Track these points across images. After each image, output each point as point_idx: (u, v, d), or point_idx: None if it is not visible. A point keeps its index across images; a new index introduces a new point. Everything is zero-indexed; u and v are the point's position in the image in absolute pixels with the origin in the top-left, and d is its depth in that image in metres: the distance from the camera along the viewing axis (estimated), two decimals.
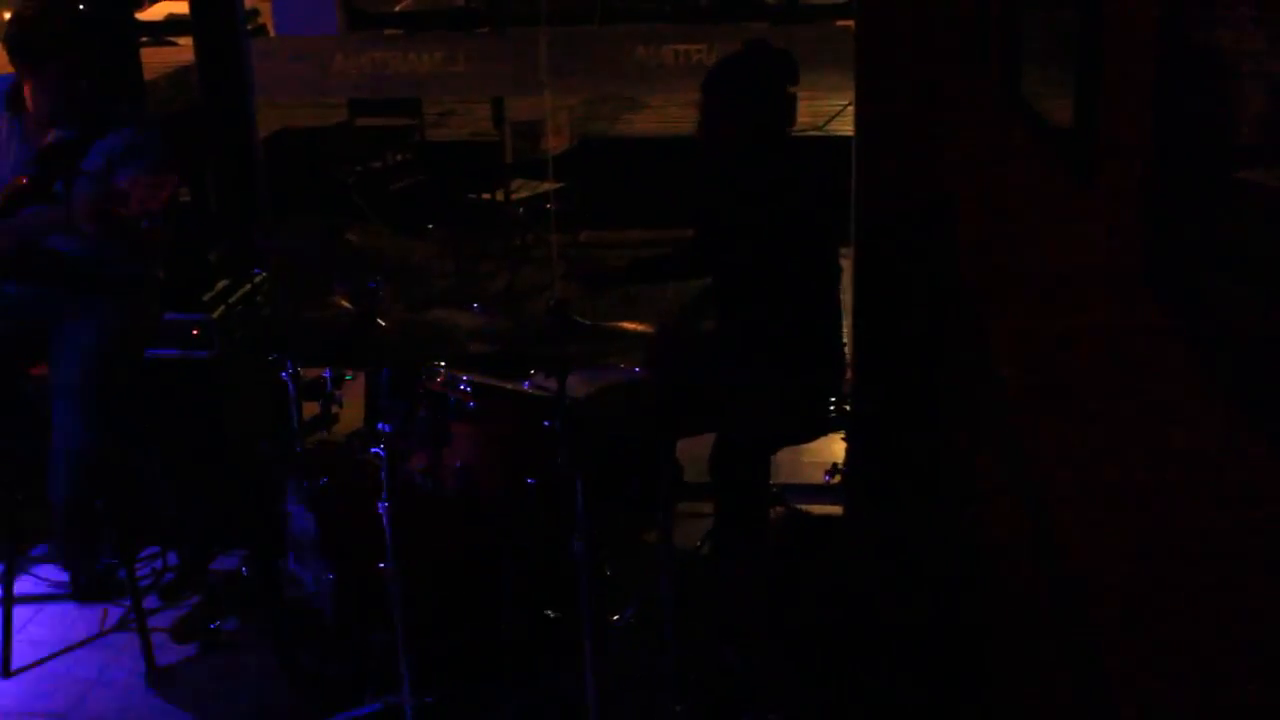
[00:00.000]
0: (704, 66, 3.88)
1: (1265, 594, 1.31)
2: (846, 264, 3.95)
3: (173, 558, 4.04)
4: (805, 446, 4.06)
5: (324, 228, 3.59)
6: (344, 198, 7.73)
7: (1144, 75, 1.74)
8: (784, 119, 3.48)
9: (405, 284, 3.67)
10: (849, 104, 4.37)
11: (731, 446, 3.45)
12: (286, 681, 3.39)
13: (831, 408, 3.62)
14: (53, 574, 3.96)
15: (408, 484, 3.05)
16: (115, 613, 3.83)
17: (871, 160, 4.13)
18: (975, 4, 3.60)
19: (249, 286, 4.25)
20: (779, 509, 3.81)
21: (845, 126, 6.23)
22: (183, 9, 5.28)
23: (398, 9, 13.50)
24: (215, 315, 3.99)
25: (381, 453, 2.94)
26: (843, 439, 3.99)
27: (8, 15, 3.69)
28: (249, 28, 5.61)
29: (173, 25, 12.50)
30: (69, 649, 3.69)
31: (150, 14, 13.59)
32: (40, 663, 3.63)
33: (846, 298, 3.91)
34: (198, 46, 4.80)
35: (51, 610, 3.89)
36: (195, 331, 3.92)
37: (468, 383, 3.04)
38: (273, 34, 11.86)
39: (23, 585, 3.90)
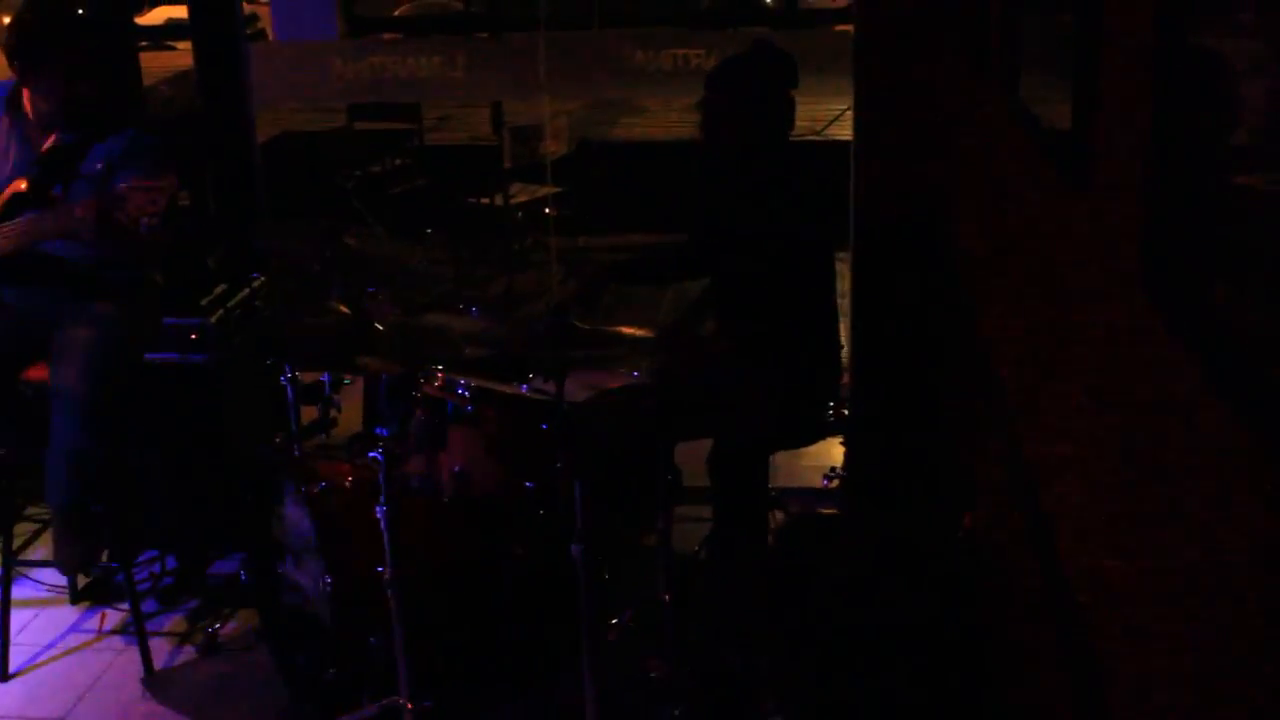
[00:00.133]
0: (703, 71, 3.88)
1: (1265, 595, 1.31)
2: (844, 267, 3.96)
3: (171, 561, 4.05)
4: (804, 450, 4.06)
5: (323, 232, 3.58)
6: (343, 202, 7.73)
7: (1141, 78, 1.74)
8: (785, 121, 3.48)
9: (404, 288, 3.67)
10: (848, 108, 4.38)
11: (730, 450, 3.45)
12: (285, 685, 3.39)
13: (830, 411, 3.62)
14: (51, 578, 3.97)
15: (406, 488, 3.05)
16: (113, 616, 3.84)
17: (869, 164, 4.14)
18: (974, 8, 3.61)
19: (248, 291, 4.25)
20: (778, 512, 3.81)
21: (844, 131, 6.24)
22: (182, 13, 5.28)
23: (397, 13, 13.53)
24: (214, 319, 3.99)
25: (379, 457, 2.94)
26: (841, 442, 3.99)
27: (7, 20, 3.70)
28: (248, 32, 5.62)
29: (172, 29, 12.53)
30: (67, 652, 3.69)
31: (149, 18, 13.61)
32: (38, 666, 3.63)
33: (844, 302, 3.91)
34: (197, 51, 4.81)
35: (49, 614, 3.89)
36: (194, 335, 3.92)
37: (466, 387, 3.04)
38: (272, 38, 11.87)
39: (21, 589, 3.90)
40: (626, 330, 3.15)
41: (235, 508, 4.02)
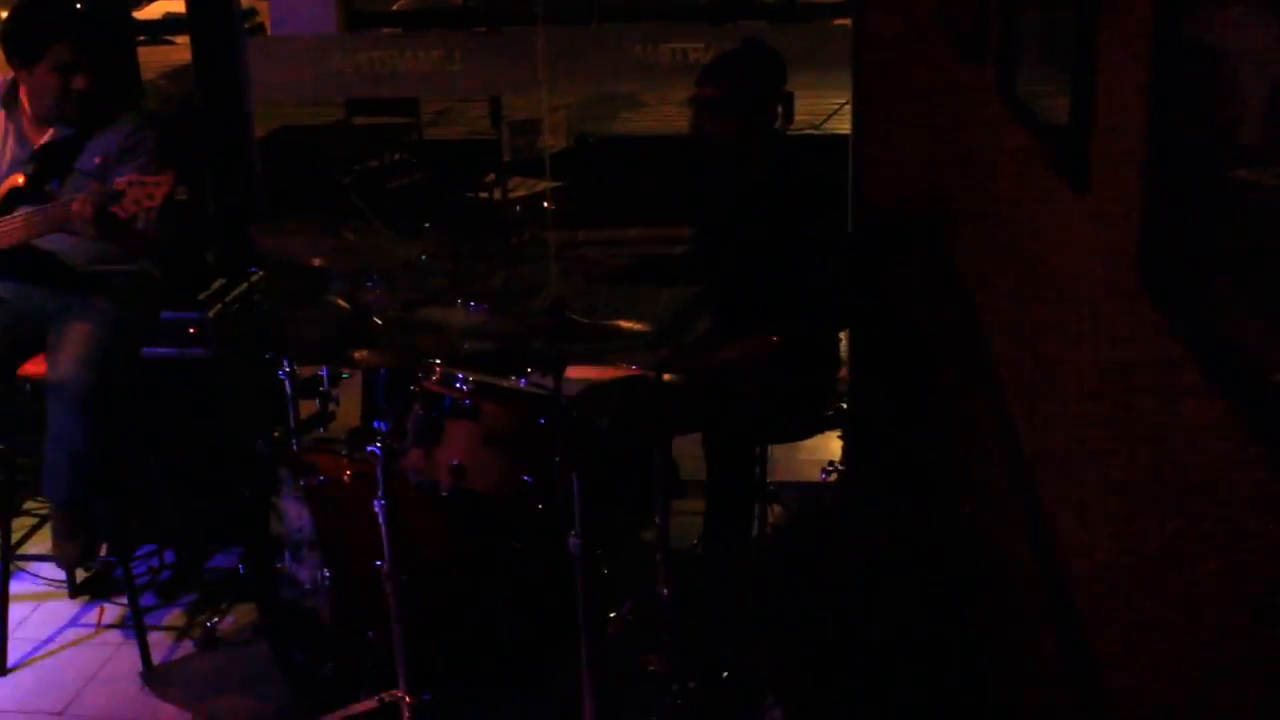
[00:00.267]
0: (701, 65, 3.88)
1: (1265, 596, 1.31)
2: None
3: (169, 556, 4.05)
4: (802, 444, 4.06)
5: (321, 226, 3.58)
6: (341, 196, 7.73)
7: (1139, 74, 1.74)
8: (776, 117, 3.48)
9: (402, 282, 3.67)
10: (846, 102, 4.38)
11: (726, 443, 3.45)
12: (283, 679, 3.39)
13: (828, 406, 3.63)
14: (49, 572, 3.97)
15: (404, 482, 3.05)
16: (112, 610, 3.84)
17: (867, 158, 4.14)
18: (973, 2, 3.60)
19: (246, 285, 4.25)
20: (776, 505, 3.81)
21: (843, 125, 6.23)
22: (180, 8, 5.27)
23: (395, 8, 13.51)
24: (212, 314, 3.99)
25: (378, 451, 2.94)
26: (839, 436, 3.99)
27: (4, 14, 3.69)
28: (246, 26, 5.62)
29: (170, 24, 12.51)
30: (66, 646, 3.69)
31: (148, 13, 13.59)
32: (37, 660, 3.63)
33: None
34: (195, 45, 4.80)
35: (48, 608, 3.89)
36: (192, 330, 3.92)
37: (464, 381, 3.04)
38: (270, 33, 11.86)
39: (19, 583, 3.90)
40: (624, 324, 3.15)
41: (233, 502, 4.03)
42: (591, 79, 8.42)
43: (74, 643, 3.71)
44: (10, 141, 3.56)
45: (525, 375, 3.18)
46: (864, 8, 4.08)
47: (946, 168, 3.95)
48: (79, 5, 3.54)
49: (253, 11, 11.78)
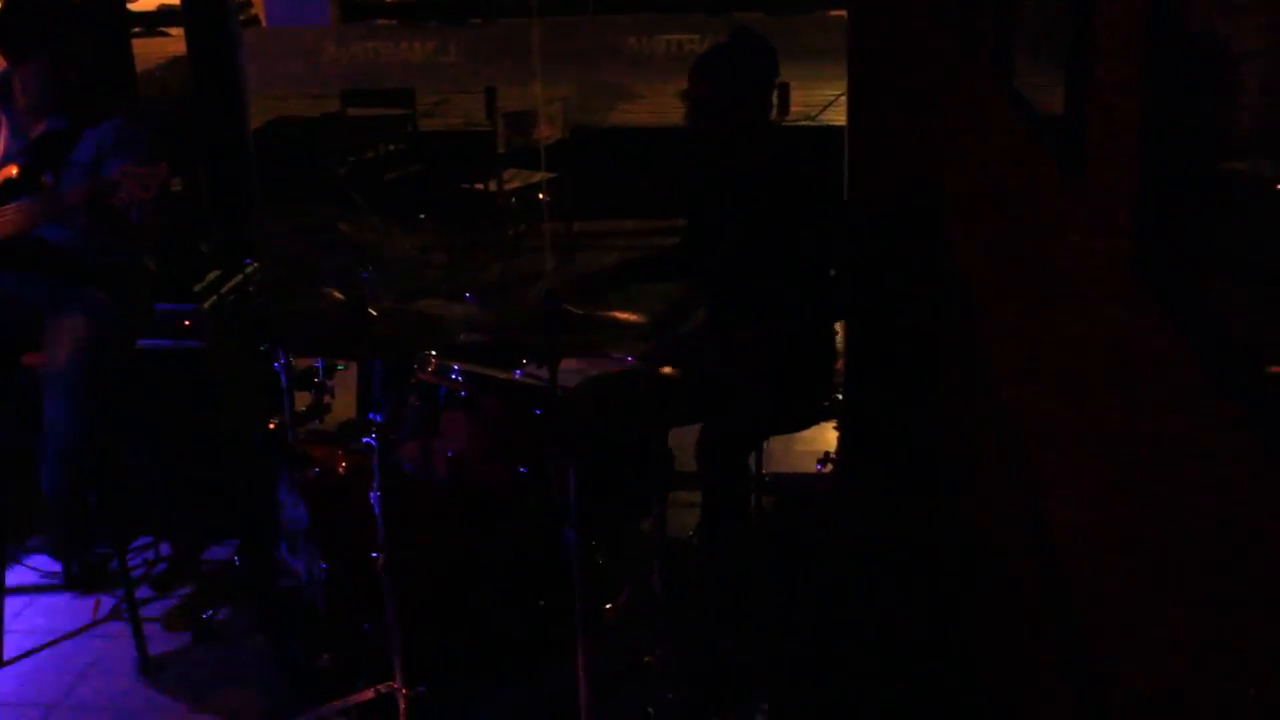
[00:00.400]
0: (696, 56, 3.87)
1: (1264, 592, 1.31)
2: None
3: (165, 548, 4.05)
4: (797, 435, 4.06)
5: (316, 218, 3.58)
6: (336, 188, 7.72)
7: (1133, 64, 1.74)
8: (768, 108, 3.48)
9: (397, 274, 3.67)
10: (842, 94, 4.37)
11: (721, 435, 3.45)
12: (279, 671, 3.39)
13: (824, 397, 3.63)
14: (45, 564, 3.97)
15: (399, 473, 3.05)
16: (108, 603, 3.83)
17: (863, 149, 4.13)
18: None
19: (241, 277, 4.25)
20: (771, 497, 3.81)
21: (839, 117, 6.23)
22: None
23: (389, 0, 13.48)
24: (207, 305, 3.99)
25: (373, 442, 2.94)
26: (835, 428, 3.99)
27: None
28: (241, 18, 5.60)
29: (165, 16, 12.49)
30: (61, 639, 3.69)
31: (142, 4, 13.56)
32: (33, 652, 3.63)
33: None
34: (189, 37, 4.79)
35: (44, 600, 3.89)
36: (187, 322, 3.92)
37: (459, 372, 3.04)
38: (265, 25, 11.84)
39: (15, 576, 3.90)
40: (620, 315, 3.15)
41: (229, 494, 4.03)
42: (587, 70, 8.41)
43: (70, 635, 3.71)
44: (4, 134, 3.56)
45: (520, 367, 3.18)
46: None
47: (942, 158, 3.95)
48: None
49: (247, 3, 11.76)
